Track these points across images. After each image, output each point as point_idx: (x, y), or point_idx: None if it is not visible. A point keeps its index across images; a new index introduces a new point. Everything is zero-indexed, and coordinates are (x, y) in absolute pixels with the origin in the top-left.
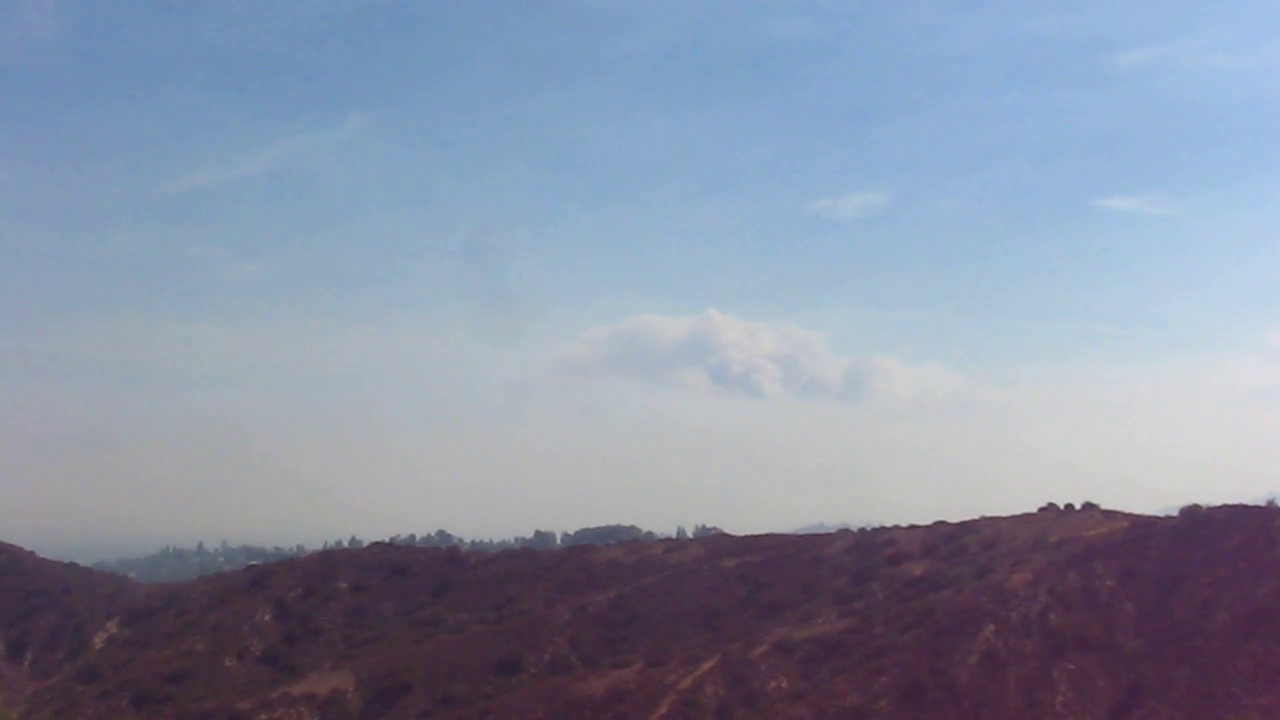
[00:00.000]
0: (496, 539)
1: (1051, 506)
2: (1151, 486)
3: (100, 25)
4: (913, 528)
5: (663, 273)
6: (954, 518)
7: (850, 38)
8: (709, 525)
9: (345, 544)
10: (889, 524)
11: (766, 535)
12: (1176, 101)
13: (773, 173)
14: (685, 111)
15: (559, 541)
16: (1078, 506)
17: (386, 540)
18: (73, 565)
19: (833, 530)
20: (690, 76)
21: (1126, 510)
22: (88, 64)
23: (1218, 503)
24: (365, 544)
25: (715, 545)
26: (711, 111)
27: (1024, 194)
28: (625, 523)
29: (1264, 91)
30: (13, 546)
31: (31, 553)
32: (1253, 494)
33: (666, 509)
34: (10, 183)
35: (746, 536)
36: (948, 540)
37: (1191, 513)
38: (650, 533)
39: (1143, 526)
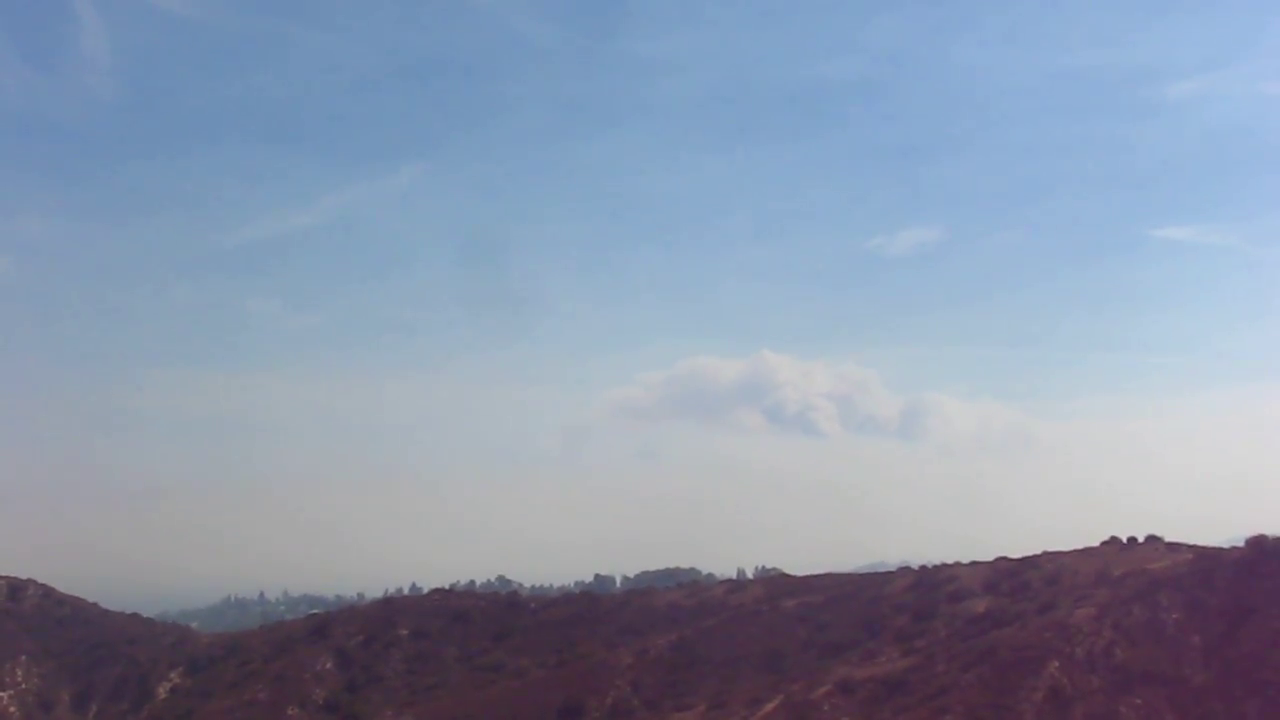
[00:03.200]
0: (556, 583)
1: (1114, 540)
2: (1214, 518)
3: (155, 83)
4: (974, 564)
5: (716, 314)
6: (1015, 553)
7: (898, 75)
8: (769, 566)
9: (405, 591)
10: (949, 561)
11: (827, 575)
12: (1229, 129)
13: (825, 211)
14: (735, 153)
15: (619, 585)
16: (1140, 539)
17: (446, 587)
18: (136, 616)
19: (893, 568)
20: (739, 118)
21: (1190, 542)
22: (144, 121)
23: None
24: (425, 591)
25: (775, 586)
26: (762, 152)
27: (1078, 226)
28: (685, 565)
29: None
30: (77, 599)
31: (95, 604)
32: None
33: (726, 550)
34: (69, 239)
35: (807, 576)
36: (1010, 576)
37: (1258, 543)
38: (710, 574)
39: (1208, 558)
